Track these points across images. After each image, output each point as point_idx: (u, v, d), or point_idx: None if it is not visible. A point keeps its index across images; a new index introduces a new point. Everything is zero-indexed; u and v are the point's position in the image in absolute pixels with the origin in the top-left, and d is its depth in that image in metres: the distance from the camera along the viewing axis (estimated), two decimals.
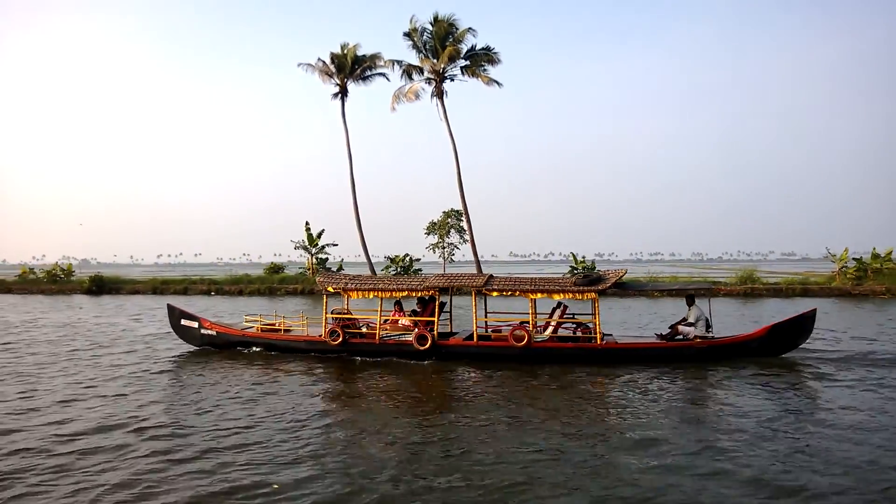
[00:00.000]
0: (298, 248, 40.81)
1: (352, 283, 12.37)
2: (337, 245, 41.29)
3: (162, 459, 6.22)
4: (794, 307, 22.13)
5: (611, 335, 12.57)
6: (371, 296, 12.29)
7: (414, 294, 12.26)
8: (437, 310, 12.17)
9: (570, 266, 38.26)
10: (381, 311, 12.12)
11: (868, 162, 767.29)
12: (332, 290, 12.53)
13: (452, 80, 37.77)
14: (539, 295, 11.82)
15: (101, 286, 40.20)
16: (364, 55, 40.63)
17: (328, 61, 40.50)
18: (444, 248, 40.74)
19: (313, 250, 40.75)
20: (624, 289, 12.65)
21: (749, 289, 33.29)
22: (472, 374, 10.71)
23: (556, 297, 11.95)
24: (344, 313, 12.78)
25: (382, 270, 39.81)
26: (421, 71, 38.39)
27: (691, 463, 6.02)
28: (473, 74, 36.87)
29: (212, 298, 34.36)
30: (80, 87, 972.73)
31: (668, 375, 10.38)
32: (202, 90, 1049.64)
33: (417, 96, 37.82)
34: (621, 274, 11.99)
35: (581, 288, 11.63)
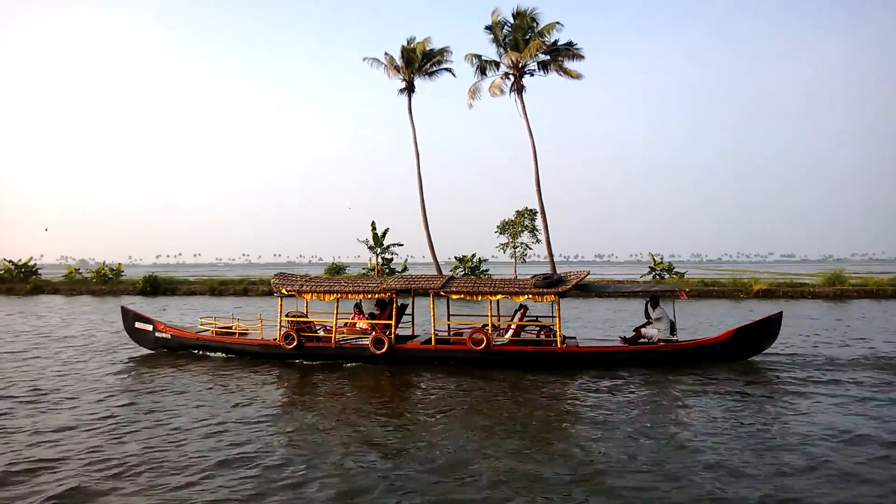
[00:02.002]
0: (365, 245, 39.61)
1: (307, 286, 12.43)
2: (402, 245, 40.15)
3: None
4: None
5: (574, 338, 12.57)
6: (326, 298, 12.30)
7: (371, 296, 12.31)
8: (394, 312, 12.16)
9: (650, 267, 37.46)
10: (336, 313, 12.17)
11: (869, 163, 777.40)
12: (286, 293, 12.50)
13: (532, 75, 36.85)
14: (499, 297, 11.78)
15: (156, 287, 38.83)
16: (433, 49, 39.51)
17: (397, 55, 39.31)
18: (515, 248, 39.65)
19: (378, 250, 39.57)
20: (586, 291, 12.67)
21: (838, 290, 32.69)
22: (427, 380, 10.64)
23: (516, 299, 11.89)
24: (300, 316, 12.76)
25: (451, 271, 38.72)
26: (497, 66, 37.41)
27: (636, 480, 5.82)
28: (560, 69, 35.88)
29: (274, 299, 33.62)
30: (80, 85, 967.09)
31: (626, 381, 10.32)
32: (203, 91, 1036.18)
33: (502, 91, 36.88)
34: (582, 276, 11.92)
35: (541, 290, 11.51)
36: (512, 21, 35.47)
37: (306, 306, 13.18)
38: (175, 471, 6.02)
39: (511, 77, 36.58)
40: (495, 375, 10.70)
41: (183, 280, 41.89)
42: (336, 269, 42.76)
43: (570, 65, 35.71)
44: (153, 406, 8.68)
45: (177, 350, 13.13)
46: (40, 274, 43.99)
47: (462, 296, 11.91)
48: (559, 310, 11.55)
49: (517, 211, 39.09)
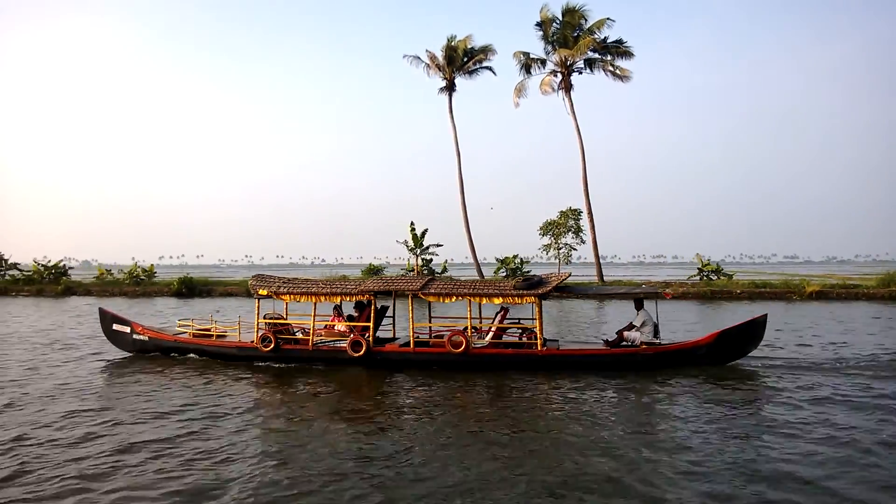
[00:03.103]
0: (405, 246, 39.04)
1: (284, 287, 12.38)
2: (442, 245, 39.63)
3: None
4: None
5: (556, 341, 12.44)
6: (304, 300, 12.27)
7: (349, 298, 12.27)
8: (373, 314, 12.03)
9: (697, 268, 36.96)
10: (314, 315, 12.11)
11: (871, 165, 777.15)
12: (263, 294, 12.44)
13: (580, 73, 36.38)
14: (477, 299, 11.66)
15: (191, 288, 38.15)
16: (474, 48, 39.05)
17: (438, 54, 38.86)
18: (559, 249, 39.09)
19: (418, 251, 39.02)
20: (567, 293, 12.49)
21: (893, 291, 32.25)
22: (403, 384, 10.54)
23: (496, 301, 11.71)
24: (277, 318, 12.73)
25: (494, 273, 38.17)
26: (543, 64, 36.93)
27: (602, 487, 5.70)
28: (610, 67, 35.46)
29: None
30: (84, 86, 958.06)
31: (604, 385, 10.17)
32: (206, 92, 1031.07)
33: (553, 89, 36.38)
34: (563, 277, 11.81)
35: (521, 292, 11.36)
36: (560, 18, 35.01)
37: (286, 308, 13.10)
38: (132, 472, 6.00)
39: (559, 75, 36.17)
40: (474, 379, 10.62)
41: (218, 281, 41.22)
42: (374, 271, 42.16)
43: (620, 63, 35.26)
44: (113, 411, 8.50)
45: (155, 352, 13.11)
46: (70, 275, 43.23)
47: (440, 298, 11.75)
48: (540, 312, 11.38)
49: (561, 211, 38.66)
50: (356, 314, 12.73)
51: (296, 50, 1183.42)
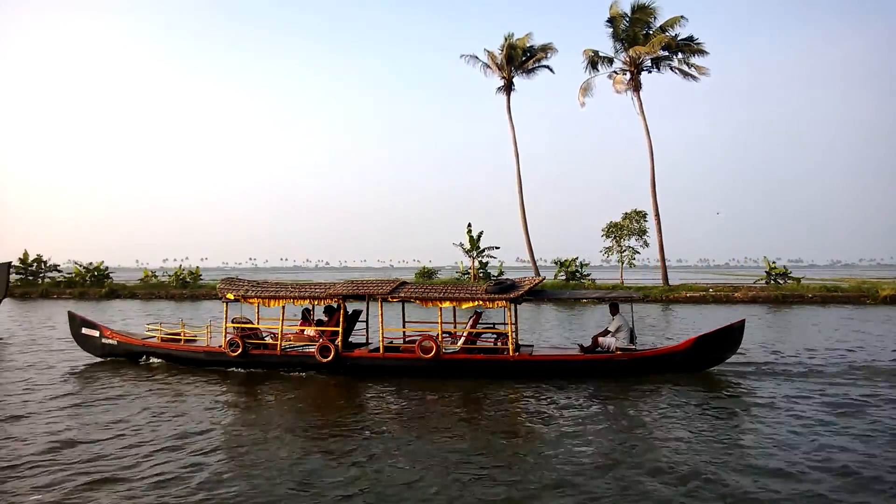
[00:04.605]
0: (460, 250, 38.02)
1: (252, 291, 12.22)
2: (499, 248, 38.66)
3: None
4: None
5: (531, 346, 12.32)
6: (272, 304, 12.04)
7: (318, 302, 12.01)
8: (342, 319, 11.80)
9: (765, 272, 36.19)
10: (282, 320, 11.88)
11: (874, 167, 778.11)
12: (231, 298, 12.29)
13: (650, 71, 35.58)
14: (447, 303, 11.40)
15: None
16: (533, 46, 38.26)
17: (498, 51, 37.94)
18: (621, 252, 38.18)
19: (474, 253, 38.07)
20: (540, 297, 12.27)
21: None
22: (370, 390, 10.34)
23: (464, 306, 11.52)
24: (245, 322, 12.53)
25: (554, 276, 37.25)
26: (610, 62, 36.14)
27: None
28: (683, 66, 34.59)
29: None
30: (88, 89, 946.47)
31: (576, 392, 9.92)
32: (208, 93, 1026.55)
33: (626, 87, 35.47)
34: (536, 281, 11.59)
35: (491, 296, 11.17)
36: (630, 15, 34.21)
37: (257, 312, 12.82)
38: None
39: (627, 73, 35.37)
40: (443, 385, 10.43)
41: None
42: (427, 273, 41.17)
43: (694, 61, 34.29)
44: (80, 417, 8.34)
45: (124, 357, 13.04)
46: (112, 277, 41.98)
47: (410, 301, 11.63)
48: (510, 316, 11.22)
49: (625, 213, 37.81)
50: (325, 319, 12.48)
51: (301, 50, 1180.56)
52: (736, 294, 32.91)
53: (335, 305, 12.14)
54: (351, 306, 12.63)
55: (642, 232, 37.61)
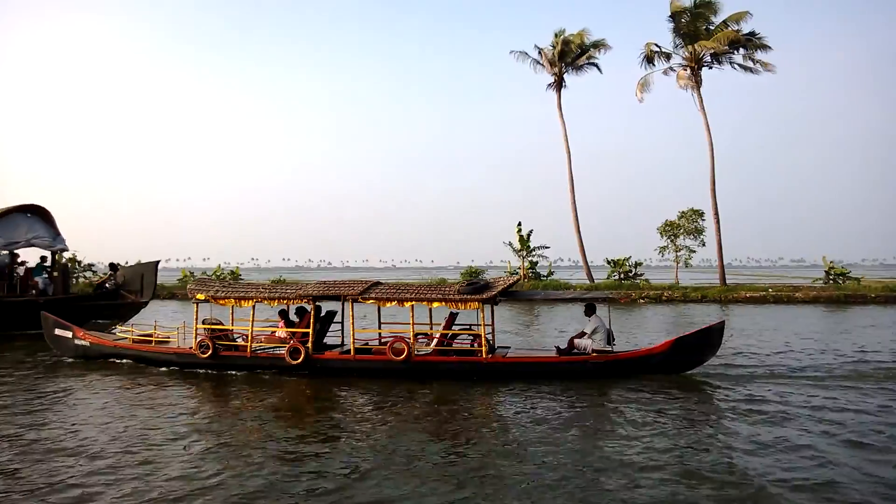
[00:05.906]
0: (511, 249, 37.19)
1: (222, 291, 12.02)
2: (549, 247, 37.85)
3: None
4: None
5: (508, 348, 12.16)
6: (243, 304, 11.85)
7: (290, 302, 11.86)
8: (312, 320, 11.55)
9: (825, 272, 35.32)
10: (252, 321, 11.69)
11: (876, 168, 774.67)
12: (201, 298, 12.06)
13: (710, 67, 34.91)
14: (422, 303, 11.26)
15: None
16: (585, 42, 37.62)
17: (549, 48, 37.39)
18: (677, 251, 37.37)
19: (524, 253, 37.23)
20: (514, 297, 12.10)
21: None
22: (339, 393, 10.13)
23: (435, 306, 11.38)
24: (215, 323, 12.35)
25: (608, 276, 36.37)
26: (668, 57, 35.56)
27: None
28: (748, 62, 33.92)
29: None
30: (85, 86, 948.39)
31: (549, 396, 9.65)
32: (209, 92, 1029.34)
33: (690, 82, 34.79)
34: (511, 281, 11.31)
35: (464, 297, 10.95)
36: (692, 9, 33.67)
37: (231, 313, 12.49)
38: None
39: (687, 69, 34.75)
40: (414, 388, 10.19)
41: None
42: (474, 273, 40.26)
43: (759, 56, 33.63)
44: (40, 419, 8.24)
45: (97, 358, 12.87)
46: None
47: (381, 302, 11.41)
48: (483, 318, 11.14)
49: (681, 211, 37.05)
50: (296, 319, 12.27)
51: (297, 52, 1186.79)
52: (797, 294, 32.00)
53: (307, 307, 11.89)
54: (326, 307, 12.34)
55: (699, 231, 36.88)
